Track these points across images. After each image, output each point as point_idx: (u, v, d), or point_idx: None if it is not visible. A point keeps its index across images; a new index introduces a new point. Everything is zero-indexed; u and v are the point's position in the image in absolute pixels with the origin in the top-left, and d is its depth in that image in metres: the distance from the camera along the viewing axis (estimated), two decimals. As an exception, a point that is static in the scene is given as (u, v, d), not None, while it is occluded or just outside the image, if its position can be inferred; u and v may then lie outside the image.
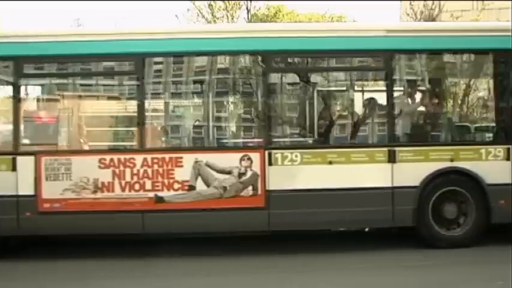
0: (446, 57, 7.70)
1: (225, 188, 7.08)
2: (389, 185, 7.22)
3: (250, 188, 7.10)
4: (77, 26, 19.79)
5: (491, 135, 7.71)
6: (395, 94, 7.40)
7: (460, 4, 26.32)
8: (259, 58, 7.29)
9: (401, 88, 7.59)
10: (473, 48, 7.53)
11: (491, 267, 6.45)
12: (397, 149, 7.24)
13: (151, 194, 7.04)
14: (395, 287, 6.04)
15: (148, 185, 7.04)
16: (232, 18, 22.79)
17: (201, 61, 7.41)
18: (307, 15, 23.24)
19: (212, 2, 23.09)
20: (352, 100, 7.64)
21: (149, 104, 7.27)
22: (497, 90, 7.60)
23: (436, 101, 7.71)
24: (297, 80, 7.69)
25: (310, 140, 7.55)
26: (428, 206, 7.30)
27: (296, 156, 7.12)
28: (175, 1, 42.77)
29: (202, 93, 7.49)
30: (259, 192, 7.09)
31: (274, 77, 7.40)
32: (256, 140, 7.36)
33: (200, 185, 7.06)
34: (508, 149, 7.37)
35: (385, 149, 7.23)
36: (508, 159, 7.38)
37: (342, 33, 7.53)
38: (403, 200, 7.19)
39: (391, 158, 7.21)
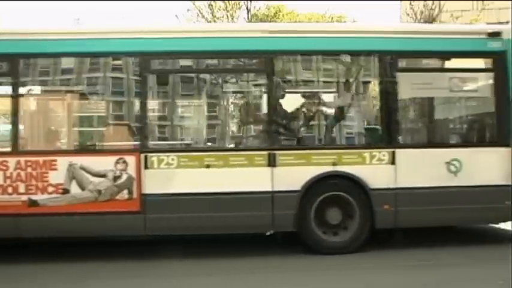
0: (330, 59, 7.54)
1: (99, 192, 6.96)
2: (269, 189, 7.07)
3: (126, 191, 6.98)
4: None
5: (375, 138, 7.57)
6: (273, 96, 7.24)
7: (460, 4, 26.35)
8: (136, 59, 7.17)
9: (284, 90, 7.43)
10: (356, 50, 7.40)
11: (491, 266, 6.45)
12: (277, 152, 7.10)
13: (24, 198, 6.92)
14: (394, 286, 5.99)
15: (21, 188, 6.92)
16: (232, 18, 22.72)
17: (80, 62, 7.26)
18: (307, 15, 23.17)
19: (212, 2, 23.01)
20: (233, 102, 7.51)
21: (23, 105, 7.13)
22: (382, 93, 7.45)
23: (319, 103, 7.57)
24: (176, 81, 7.55)
25: (187, 143, 7.40)
26: (311, 211, 7.16)
27: (172, 159, 6.99)
28: (175, 1, 42.68)
29: (78, 95, 7.38)
30: (135, 196, 6.97)
31: (151, 79, 7.25)
32: (132, 143, 7.21)
33: (75, 188, 6.94)
34: (393, 153, 7.23)
35: (265, 152, 7.09)
36: (392, 163, 7.24)
37: (224, 33, 7.40)
38: (283, 204, 7.05)
39: (271, 162, 7.07)
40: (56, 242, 7.42)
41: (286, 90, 7.45)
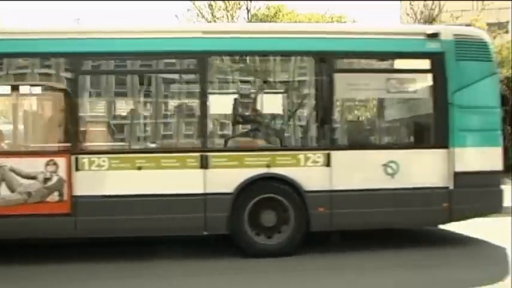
0: (265, 59, 7.47)
1: (29, 194, 6.88)
2: (201, 191, 7.00)
3: (56, 193, 6.89)
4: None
5: (310, 140, 7.50)
6: (211, 97, 7.17)
7: (460, 4, 26.57)
8: (68, 60, 7.08)
9: (217, 91, 7.37)
10: (292, 50, 7.33)
11: (491, 267, 6.49)
12: (209, 154, 7.03)
13: (-47, 200, 6.85)
14: (396, 286, 5.99)
15: (-51, 191, 6.85)
16: (232, 18, 22.70)
17: (9, 62, 7.15)
18: (307, 15, 23.07)
19: (212, 2, 22.96)
20: (166, 103, 7.44)
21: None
22: (318, 94, 7.38)
23: (253, 104, 7.49)
24: (109, 82, 7.46)
25: (119, 145, 7.32)
26: (244, 213, 7.08)
27: (104, 161, 6.92)
28: (175, 1, 42.62)
29: (8, 95, 7.29)
30: (65, 198, 6.89)
31: (83, 80, 7.17)
32: (62, 144, 7.13)
33: (4, 190, 6.85)
34: (328, 155, 7.16)
35: (197, 154, 7.02)
36: (328, 165, 7.16)
37: (158, 34, 7.29)
38: (216, 207, 6.98)
39: (204, 164, 7.00)
40: (56, 243, 7.43)
41: (220, 91, 7.40)
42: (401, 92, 7.57)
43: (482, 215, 7.80)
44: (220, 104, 7.39)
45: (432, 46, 7.43)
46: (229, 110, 7.48)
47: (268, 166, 7.08)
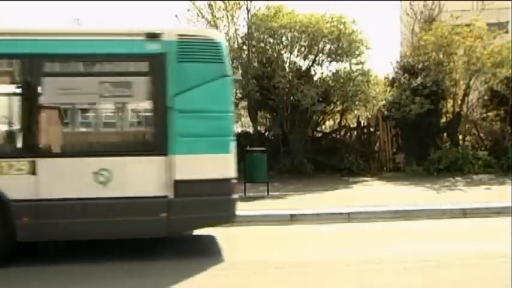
0: None
1: None
2: None
3: None
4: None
5: (14, 147, 7.17)
6: None
7: (460, 4, 26.52)
8: None
9: None
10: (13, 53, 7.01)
11: (490, 268, 6.55)
12: None
13: None
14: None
15: None
16: (232, 18, 22.48)
17: None
18: (307, 15, 22.72)
19: (212, 2, 22.78)
20: None
21: None
22: (24, 99, 6.99)
23: None
24: None
25: None
26: None
27: None
28: (175, 1, 42.42)
29: None
30: None
31: None
32: None
33: None
34: (34, 163, 6.86)
35: None
36: (33, 173, 6.86)
37: None
38: None
39: None
40: (57, 244, 7.46)
41: None
42: (117, 96, 7.14)
43: (210, 225, 7.43)
44: None
45: (151, 47, 7.02)
46: None
47: None
